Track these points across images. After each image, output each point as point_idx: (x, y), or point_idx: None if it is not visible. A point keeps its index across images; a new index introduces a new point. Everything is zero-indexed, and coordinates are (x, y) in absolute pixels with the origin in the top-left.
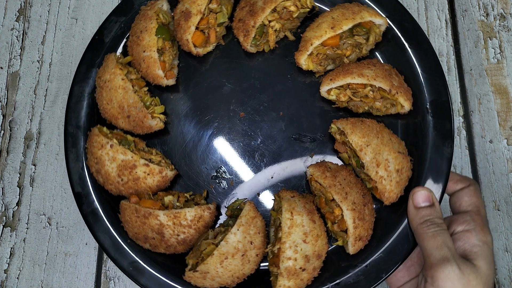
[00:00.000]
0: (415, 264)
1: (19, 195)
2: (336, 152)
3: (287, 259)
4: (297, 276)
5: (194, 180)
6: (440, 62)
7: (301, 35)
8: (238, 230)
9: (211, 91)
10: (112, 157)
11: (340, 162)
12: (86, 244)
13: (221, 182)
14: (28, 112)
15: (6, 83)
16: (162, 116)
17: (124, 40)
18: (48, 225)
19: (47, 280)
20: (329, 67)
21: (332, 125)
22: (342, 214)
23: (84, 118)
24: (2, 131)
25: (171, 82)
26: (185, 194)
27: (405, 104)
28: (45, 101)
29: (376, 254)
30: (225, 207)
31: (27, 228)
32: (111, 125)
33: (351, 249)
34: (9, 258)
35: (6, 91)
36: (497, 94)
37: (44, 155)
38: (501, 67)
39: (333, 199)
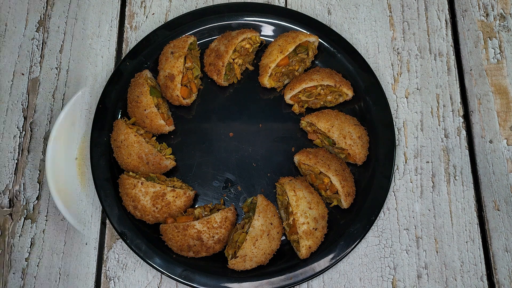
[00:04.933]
0: None
1: (39, 190)
2: (310, 141)
3: (302, 224)
4: (313, 235)
5: (210, 195)
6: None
7: (258, 63)
8: (259, 216)
9: (202, 126)
10: (145, 192)
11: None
12: (86, 244)
13: (231, 190)
14: (47, 115)
15: (27, 88)
16: (172, 156)
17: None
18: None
19: (65, 267)
20: (286, 82)
21: (302, 121)
22: (330, 181)
23: (108, 172)
24: (24, 132)
25: (172, 127)
26: (208, 206)
27: (348, 92)
28: (62, 104)
29: (364, 204)
30: (241, 207)
31: (46, 220)
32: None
33: (345, 203)
34: (30, 247)
35: (27, 96)
36: (497, 94)
37: None
38: (501, 67)
39: (321, 172)
